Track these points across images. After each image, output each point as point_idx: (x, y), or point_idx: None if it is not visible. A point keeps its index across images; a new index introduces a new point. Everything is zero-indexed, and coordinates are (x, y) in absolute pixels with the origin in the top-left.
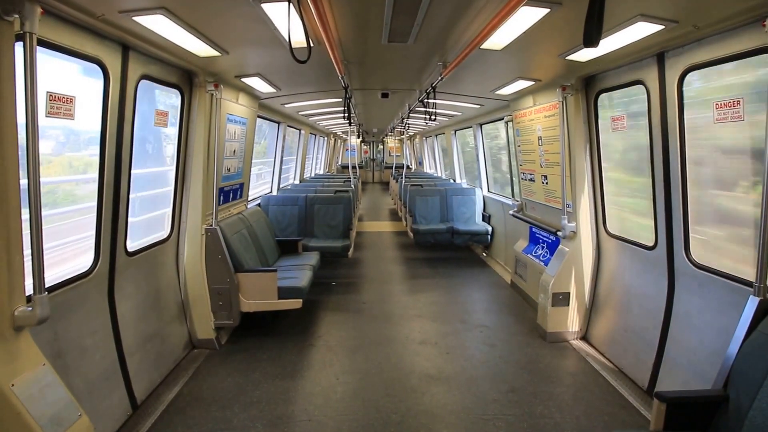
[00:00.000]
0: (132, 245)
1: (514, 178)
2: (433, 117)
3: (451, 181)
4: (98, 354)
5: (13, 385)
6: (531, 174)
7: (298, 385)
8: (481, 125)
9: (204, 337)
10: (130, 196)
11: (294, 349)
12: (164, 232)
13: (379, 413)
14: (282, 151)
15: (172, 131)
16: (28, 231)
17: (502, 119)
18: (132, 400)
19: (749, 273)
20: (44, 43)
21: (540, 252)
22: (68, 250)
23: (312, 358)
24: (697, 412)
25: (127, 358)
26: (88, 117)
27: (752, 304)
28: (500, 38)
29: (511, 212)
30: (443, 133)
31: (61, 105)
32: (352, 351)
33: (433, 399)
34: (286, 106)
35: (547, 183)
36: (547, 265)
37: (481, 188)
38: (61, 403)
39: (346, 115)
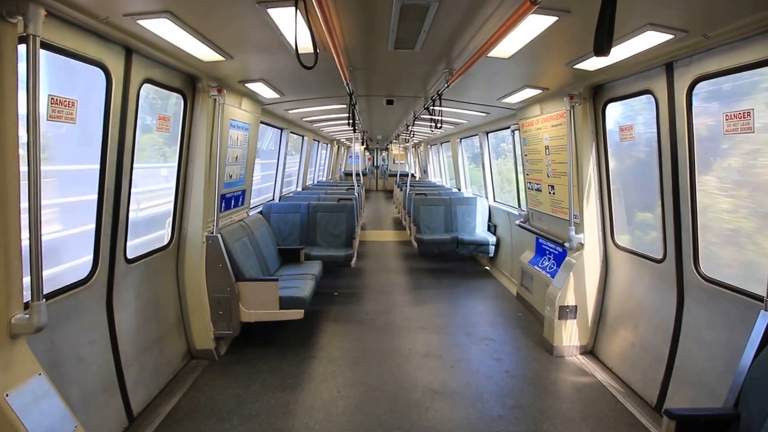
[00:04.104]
0: (131, 252)
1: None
2: (438, 125)
3: (455, 190)
4: (95, 364)
5: (7, 395)
6: (538, 184)
7: (299, 398)
8: (487, 133)
9: (203, 347)
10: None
11: (295, 361)
12: (165, 239)
13: (381, 428)
14: (285, 158)
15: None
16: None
17: (509, 128)
18: (128, 412)
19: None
20: (47, 46)
21: (546, 263)
22: None
23: (313, 370)
24: (707, 431)
25: (124, 368)
26: None
27: (763, 319)
28: (508, 46)
29: (517, 222)
30: (448, 141)
31: (63, 109)
32: (355, 363)
33: (437, 414)
34: (290, 112)
35: (554, 193)
36: (553, 278)
37: (487, 198)
38: (56, 413)
39: (351, 121)
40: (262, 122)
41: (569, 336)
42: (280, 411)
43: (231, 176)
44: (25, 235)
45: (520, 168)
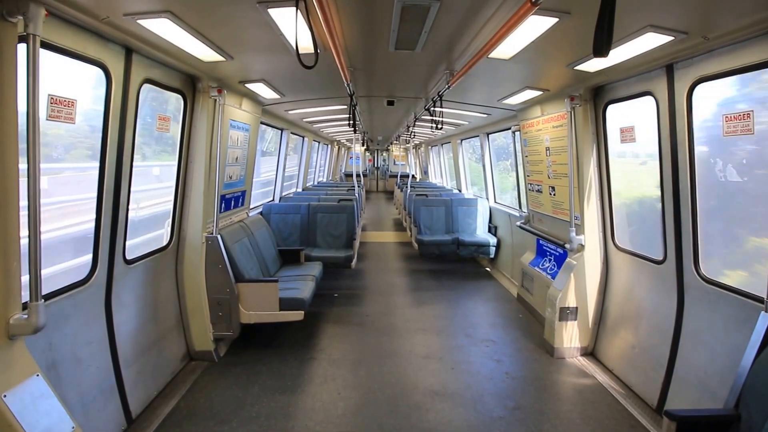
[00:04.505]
0: (130, 253)
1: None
2: (439, 126)
3: (456, 191)
4: (93, 365)
5: (5, 396)
6: (539, 185)
7: (299, 400)
8: (488, 134)
9: (202, 348)
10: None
11: (294, 363)
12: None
13: (381, 430)
14: (285, 158)
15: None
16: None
17: (510, 129)
18: (127, 414)
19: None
20: (46, 45)
21: (547, 265)
22: None
23: (313, 371)
24: None
25: (122, 369)
26: None
27: (764, 320)
28: (508, 47)
29: (518, 224)
30: (449, 142)
31: (62, 108)
32: (355, 365)
33: (437, 416)
34: (290, 112)
35: (554, 194)
36: (554, 279)
37: (488, 199)
38: (54, 415)
39: (351, 122)
40: (262, 123)
41: (570, 337)
42: (279, 413)
43: (231, 177)
44: (23, 233)
45: (521, 169)
